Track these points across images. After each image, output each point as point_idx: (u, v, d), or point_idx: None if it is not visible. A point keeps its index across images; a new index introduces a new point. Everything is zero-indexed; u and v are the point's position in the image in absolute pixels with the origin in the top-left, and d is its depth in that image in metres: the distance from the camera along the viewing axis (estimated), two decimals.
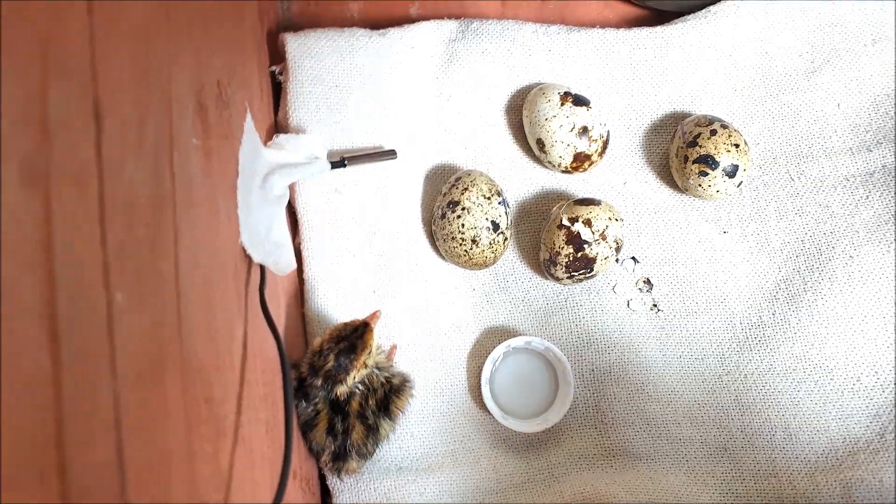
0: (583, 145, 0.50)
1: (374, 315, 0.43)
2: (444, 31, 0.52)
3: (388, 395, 0.43)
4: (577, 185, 0.52)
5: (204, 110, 0.31)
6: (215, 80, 0.34)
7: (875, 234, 0.50)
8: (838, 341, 0.49)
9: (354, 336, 0.41)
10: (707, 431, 0.49)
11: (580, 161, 0.50)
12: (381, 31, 0.51)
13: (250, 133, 0.38)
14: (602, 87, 0.53)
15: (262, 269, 0.36)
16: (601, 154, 0.51)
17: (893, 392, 0.48)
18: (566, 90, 0.50)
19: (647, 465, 0.48)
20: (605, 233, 0.48)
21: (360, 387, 0.43)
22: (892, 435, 0.47)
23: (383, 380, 0.43)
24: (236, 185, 0.35)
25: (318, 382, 0.41)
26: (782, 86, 0.53)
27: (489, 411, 0.48)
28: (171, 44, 0.28)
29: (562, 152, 0.50)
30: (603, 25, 0.55)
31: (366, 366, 0.42)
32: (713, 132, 0.49)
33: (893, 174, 0.51)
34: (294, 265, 0.43)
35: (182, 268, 0.27)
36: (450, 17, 0.53)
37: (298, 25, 0.54)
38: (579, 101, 0.50)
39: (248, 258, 0.36)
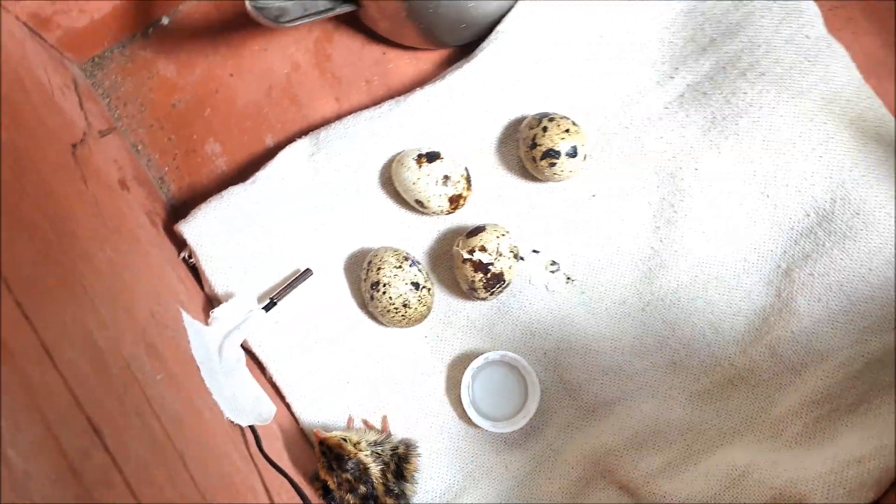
0: (451, 190, 0.58)
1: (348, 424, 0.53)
2: (300, 151, 0.60)
3: (399, 464, 0.51)
4: (463, 217, 0.61)
5: (153, 347, 0.39)
6: (150, 313, 0.41)
7: (705, 141, 0.59)
8: (716, 237, 0.58)
9: (330, 454, 0.48)
10: (653, 357, 0.58)
11: (456, 201, 0.59)
12: (251, 179, 0.59)
13: (191, 328, 0.46)
14: (446, 132, 0.61)
15: (253, 428, 0.44)
16: (469, 188, 0.59)
17: (772, 256, 0.57)
18: (418, 152, 0.59)
19: (621, 406, 0.57)
20: (499, 249, 0.56)
21: (374, 468, 0.50)
22: (786, 291, 0.56)
23: (389, 452, 0.51)
24: (202, 379, 0.43)
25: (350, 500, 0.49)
26: (582, 64, 0.62)
27: (482, 428, 0.57)
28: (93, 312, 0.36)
29: (438, 202, 0.58)
30: (423, 80, 0.64)
31: (360, 448, 0.49)
32: (545, 129, 0.58)
33: (700, 88, 0.60)
34: (274, 409, 0.50)
35: (195, 471, 0.35)
36: (301, 136, 0.61)
37: (183, 202, 0.62)
38: (432, 157, 0.58)
39: (238, 426, 0.44)
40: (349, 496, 0.48)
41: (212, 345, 0.48)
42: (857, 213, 0.55)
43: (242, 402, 0.46)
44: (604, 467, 0.56)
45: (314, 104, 0.64)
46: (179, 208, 0.62)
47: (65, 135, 0.49)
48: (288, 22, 0.56)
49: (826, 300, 0.55)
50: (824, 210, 0.56)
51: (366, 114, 0.60)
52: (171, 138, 0.64)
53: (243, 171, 0.63)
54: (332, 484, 0.47)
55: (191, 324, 0.47)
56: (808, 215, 0.57)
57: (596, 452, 0.56)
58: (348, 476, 0.47)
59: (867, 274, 0.54)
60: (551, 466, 0.57)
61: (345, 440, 0.48)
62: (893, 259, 0.54)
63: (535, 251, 0.60)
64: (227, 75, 0.65)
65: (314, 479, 0.49)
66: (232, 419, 0.43)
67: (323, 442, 0.48)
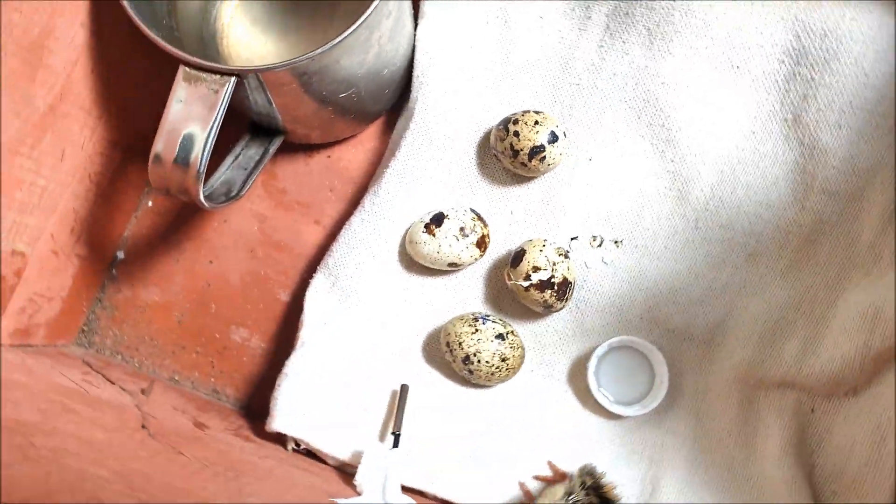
0: (472, 237, 0.58)
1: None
2: (320, 289, 0.59)
3: (599, 495, 0.50)
4: (494, 251, 0.60)
5: None
6: None
7: (652, 54, 0.59)
8: (716, 128, 0.58)
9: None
10: (729, 262, 0.58)
11: (482, 244, 0.58)
12: (297, 344, 0.57)
13: None
14: (431, 189, 0.60)
15: None
16: (485, 224, 0.59)
17: (773, 115, 0.58)
18: (422, 224, 0.58)
19: (731, 320, 0.57)
20: (549, 259, 0.56)
21: None
22: (806, 137, 0.57)
23: (583, 493, 0.50)
24: None
25: None
26: (506, 56, 0.61)
27: (632, 416, 0.57)
28: None
29: (469, 254, 0.58)
30: (377, 157, 0.63)
31: None
32: (516, 133, 0.57)
33: (618, 12, 0.60)
34: None
35: None
36: (310, 275, 0.60)
37: (251, 399, 0.61)
38: (438, 219, 0.58)
39: None
40: None
41: None
42: (825, 35, 0.56)
43: None
44: (754, 380, 0.56)
45: (300, 239, 0.63)
46: (253, 408, 0.61)
47: (132, 420, 0.47)
48: (238, 193, 0.55)
49: (846, 123, 0.56)
50: (794, 49, 0.57)
51: (355, 221, 0.59)
52: (198, 350, 0.62)
53: (280, 338, 0.62)
54: None
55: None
56: (783, 62, 0.57)
57: (738, 373, 0.57)
58: None
59: (866, 80, 0.55)
60: (708, 410, 0.57)
61: None
62: (883, 52, 0.55)
63: (573, 239, 0.60)
64: (207, 263, 0.63)
65: None
66: None
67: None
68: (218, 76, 0.45)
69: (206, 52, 0.59)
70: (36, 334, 0.57)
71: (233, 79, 0.45)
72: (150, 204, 0.64)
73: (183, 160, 0.45)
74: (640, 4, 0.59)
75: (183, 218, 0.63)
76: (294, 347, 0.57)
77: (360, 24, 0.46)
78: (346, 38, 0.46)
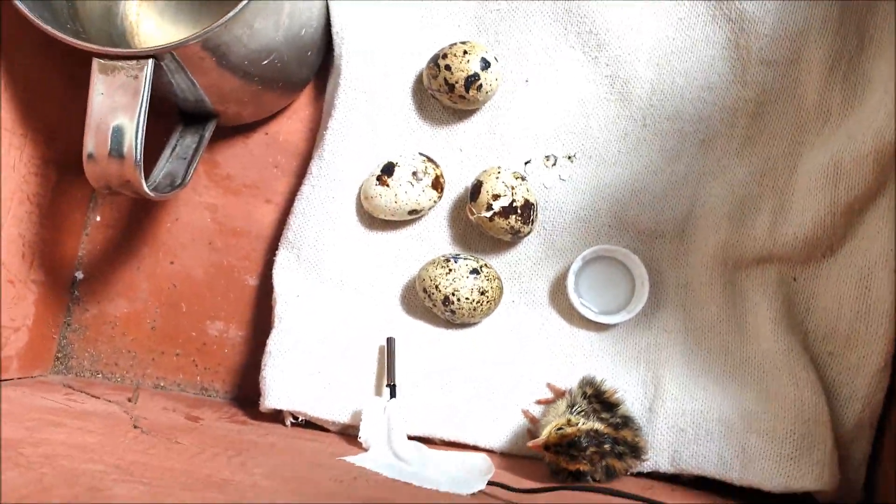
0: (427, 179, 0.57)
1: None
2: (286, 264, 0.58)
3: (602, 402, 0.51)
4: (452, 194, 0.60)
5: None
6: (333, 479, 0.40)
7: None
8: (640, 16, 0.58)
9: (562, 448, 0.47)
10: (685, 152, 0.58)
11: (437, 184, 0.58)
12: (275, 321, 0.56)
13: (367, 462, 0.45)
14: (373, 140, 0.60)
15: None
16: (436, 165, 0.58)
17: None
18: (374, 177, 0.57)
19: (698, 208, 0.57)
20: (507, 184, 0.56)
21: (598, 424, 0.49)
22: (732, 10, 0.57)
23: (585, 403, 0.50)
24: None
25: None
26: None
27: (622, 323, 0.57)
28: None
29: (427, 196, 0.57)
30: (315, 124, 0.62)
31: (572, 423, 0.48)
32: (447, 66, 0.57)
33: None
34: (485, 457, 0.50)
35: None
36: (272, 254, 0.59)
37: (241, 388, 0.60)
38: (388, 170, 0.57)
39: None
40: (605, 460, 0.48)
41: (389, 460, 0.47)
42: None
43: (459, 474, 0.46)
44: (732, 262, 0.57)
45: (255, 221, 0.62)
46: (244, 396, 0.60)
47: (122, 423, 0.46)
48: (182, 182, 0.54)
49: None
50: None
51: (305, 190, 0.58)
52: (178, 353, 0.61)
53: (257, 322, 0.61)
54: (585, 466, 0.47)
55: (364, 460, 0.46)
56: None
57: (715, 258, 0.57)
58: (593, 449, 0.47)
59: None
60: (693, 301, 0.57)
61: (559, 429, 0.47)
62: None
63: (527, 163, 0.60)
64: (169, 265, 0.62)
65: (561, 475, 0.49)
66: (464, 492, 0.42)
67: (549, 446, 0.47)
68: (134, 61, 0.44)
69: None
70: (9, 368, 0.55)
71: (150, 61, 0.44)
72: (98, 219, 0.62)
73: (117, 152, 0.44)
74: None
75: (134, 225, 0.62)
76: (272, 326, 0.57)
77: None
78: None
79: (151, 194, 0.47)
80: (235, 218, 0.62)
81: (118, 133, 0.44)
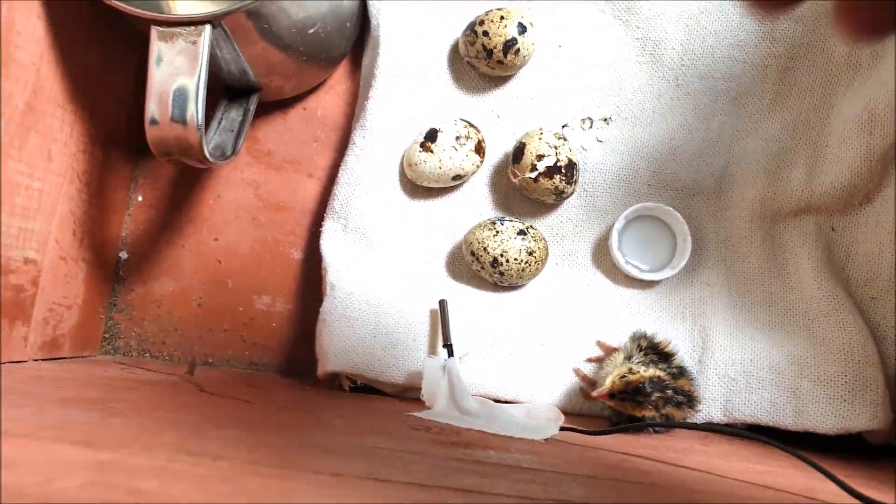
0: (470, 143, 0.58)
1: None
2: (333, 235, 0.58)
3: (658, 353, 0.52)
4: (490, 160, 0.61)
5: None
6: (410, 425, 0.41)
7: None
8: None
9: (627, 395, 0.48)
10: (719, 110, 0.59)
11: (480, 149, 0.59)
12: (327, 290, 0.57)
13: (440, 417, 0.46)
14: (415, 110, 0.60)
15: None
16: (477, 130, 0.59)
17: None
18: (417, 144, 0.58)
19: (734, 165, 0.59)
20: (550, 144, 0.57)
21: (659, 371, 0.50)
22: None
23: (642, 354, 0.52)
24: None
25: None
26: None
27: (668, 278, 0.58)
28: None
29: (471, 161, 0.58)
30: (353, 97, 0.63)
31: (634, 371, 0.49)
32: (485, 32, 0.58)
33: None
34: (552, 402, 0.51)
35: None
36: (318, 227, 0.60)
37: (289, 361, 0.61)
38: (431, 135, 0.58)
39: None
40: (666, 407, 0.49)
41: (456, 414, 0.48)
42: None
43: (529, 422, 0.47)
44: (771, 214, 0.58)
45: (298, 196, 0.62)
46: (294, 368, 0.60)
47: (188, 389, 0.47)
48: (233, 152, 0.54)
49: None
50: None
51: (350, 160, 0.59)
52: (226, 328, 0.61)
53: (303, 295, 0.61)
54: (650, 412, 0.48)
55: (433, 414, 0.46)
56: None
57: (753, 212, 0.58)
58: (658, 394, 0.48)
59: None
60: (735, 255, 0.59)
61: (622, 377, 0.48)
62: None
63: (564, 126, 0.61)
64: (213, 242, 0.62)
65: (630, 422, 0.49)
66: (538, 437, 0.43)
67: (613, 394, 0.48)
68: (193, 27, 0.45)
69: None
70: (62, 346, 0.56)
71: (207, 26, 0.45)
72: (140, 199, 0.63)
73: (179, 117, 0.44)
74: None
75: (177, 204, 0.62)
76: (324, 293, 0.57)
77: None
78: None
79: (211, 160, 0.47)
80: (278, 193, 0.62)
81: (180, 98, 0.44)
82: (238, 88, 0.57)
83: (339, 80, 0.64)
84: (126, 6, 0.45)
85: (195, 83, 0.45)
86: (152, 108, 0.45)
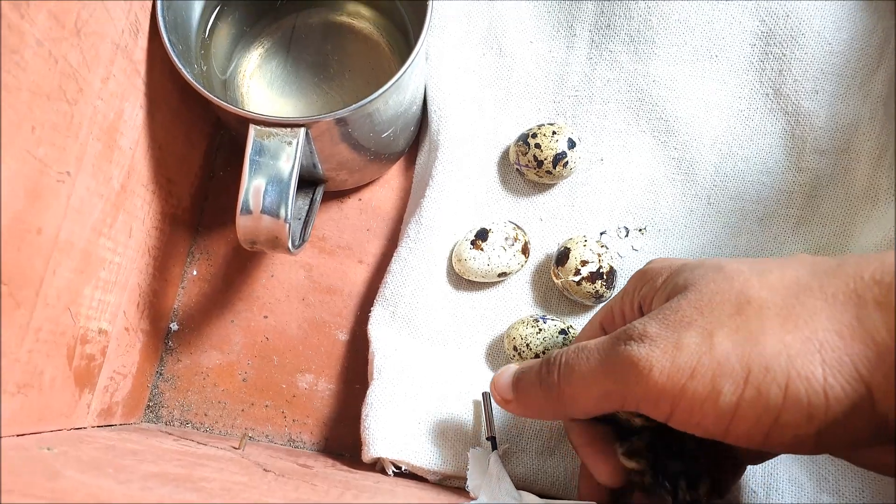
0: (517, 245, 0.62)
1: None
2: (381, 321, 0.61)
3: None
4: (533, 259, 0.65)
5: None
6: None
7: (638, 56, 0.66)
8: (707, 112, 0.65)
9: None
10: (752, 214, 0.64)
11: (525, 250, 0.63)
12: (374, 374, 0.60)
13: None
14: (465, 212, 0.65)
15: None
16: (523, 231, 0.63)
17: (754, 93, 0.65)
18: (468, 241, 0.62)
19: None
20: (593, 251, 0.61)
21: None
22: (790, 106, 0.64)
23: None
24: None
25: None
26: (505, 80, 0.67)
27: None
28: None
29: (517, 261, 0.62)
30: (405, 192, 0.67)
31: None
32: (537, 145, 0.62)
33: (600, 26, 0.67)
34: None
35: None
36: (366, 311, 0.63)
37: (328, 441, 0.63)
38: (483, 234, 0.62)
39: None
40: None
41: None
42: (787, 16, 0.63)
43: None
44: None
45: (348, 280, 0.66)
46: (334, 447, 0.62)
47: (252, 466, 0.49)
48: (303, 240, 0.58)
49: (821, 88, 0.63)
50: (762, 32, 0.64)
51: (403, 251, 0.63)
52: (268, 404, 0.64)
53: (346, 376, 0.64)
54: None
55: None
56: (754, 45, 0.65)
57: None
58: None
59: (830, 48, 0.63)
60: None
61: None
62: (840, 21, 0.63)
63: (602, 233, 0.65)
64: (263, 319, 0.65)
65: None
66: None
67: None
68: (289, 129, 0.49)
69: None
70: (115, 413, 0.57)
71: (303, 129, 0.49)
72: (195, 273, 0.65)
73: (271, 210, 0.48)
74: (619, 16, 0.66)
75: (230, 281, 0.65)
76: (371, 378, 0.60)
77: (413, 60, 0.51)
78: (402, 75, 0.50)
79: (293, 251, 0.50)
80: (329, 276, 0.66)
81: (273, 192, 0.48)
82: (306, 180, 0.61)
83: (394, 176, 0.68)
84: (230, 107, 0.49)
85: (288, 179, 0.48)
86: (246, 200, 0.48)
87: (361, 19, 0.67)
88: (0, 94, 0.35)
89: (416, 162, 0.68)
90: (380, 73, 0.66)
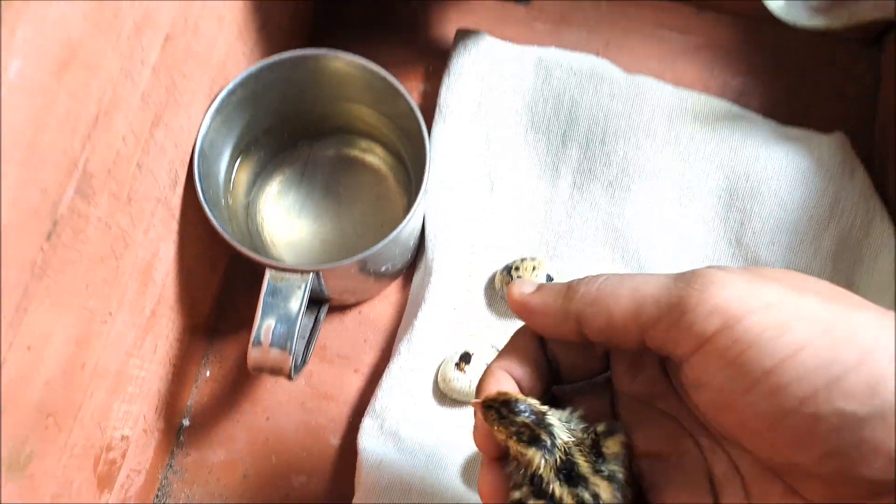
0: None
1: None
2: (371, 432, 0.68)
3: (595, 441, 0.38)
4: None
5: None
6: None
7: (616, 200, 0.74)
8: (670, 253, 0.73)
9: (495, 403, 0.37)
10: None
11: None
12: (360, 488, 0.66)
13: None
14: (456, 331, 0.72)
15: None
16: None
17: (718, 238, 0.73)
18: (453, 361, 0.69)
19: None
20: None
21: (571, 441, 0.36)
22: (750, 252, 0.71)
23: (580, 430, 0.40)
24: None
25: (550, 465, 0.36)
26: (490, 216, 0.75)
27: None
28: None
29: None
30: (401, 306, 0.74)
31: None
32: (518, 278, 0.70)
33: (582, 169, 0.75)
34: None
35: None
36: (357, 419, 0.69)
37: None
38: (466, 357, 0.69)
39: None
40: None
41: None
42: (748, 176, 0.72)
43: None
44: None
45: (344, 388, 0.73)
46: None
47: None
48: (304, 360, 0.65)
49: (777, 240, 0.71)
50: (726, 188, 0.72)
51: (394, 369, 0.70)
52: (264, 501, 0.70)
53: (335, 477, 0.70)
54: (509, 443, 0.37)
55: None
56: (720, 197, 0.73)
57: None
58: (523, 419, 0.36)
59: (784, 206, 0.71)
60: None
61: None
62: (793, 183, 0.71)
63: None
64: (265, 420, 0.72)
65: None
66: None
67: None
68: (300, 274, 0.56)
69: (253, 241, 0.70)
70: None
71: (311, 275, 0.57)
72: (207, 374, 0.73)
73: (278, 344, 0.55)
74: (599, 162, 0.74)
75: (238, 384, 0.72)
76: (356, 486, 0.66)
77: (414, 212, 0.58)
78: (404, 226, 0.58)
79: (294, 377, 0.58)
80: (327, 383, 0.73)
81: (281, 329, 0.55)
82: (312, 300, 0.68)
83: (392, 291, 0.75)
84: (252, 254, 0.57)
85: (295, 318, 0.56)
86: (258, 336, 0.55)
87: (371, 154, 0.75)
88: (56, 268, 0.43)
89: (413, 280, 0.75)
90: (386, 203, 0.74)
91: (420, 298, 0.72)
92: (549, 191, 0.76)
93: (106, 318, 0.50)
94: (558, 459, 0.35)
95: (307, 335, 0.67)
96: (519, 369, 0.40)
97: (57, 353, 0.45)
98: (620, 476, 0.36)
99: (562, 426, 0.36)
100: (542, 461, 0.35)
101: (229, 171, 0.67)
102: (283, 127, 0.70)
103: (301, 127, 0.72)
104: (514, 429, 0.36)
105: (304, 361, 0.64)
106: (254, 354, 0.56)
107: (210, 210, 0.58)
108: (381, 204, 0.74)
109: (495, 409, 0.37)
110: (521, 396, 0.37)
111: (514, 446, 0.36)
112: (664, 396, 0.38)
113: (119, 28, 0.43)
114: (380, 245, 0.58)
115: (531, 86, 0.77)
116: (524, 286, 0.42)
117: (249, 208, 0.71)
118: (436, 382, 0.71)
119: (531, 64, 0.77)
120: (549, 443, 0.35)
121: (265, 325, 0.55)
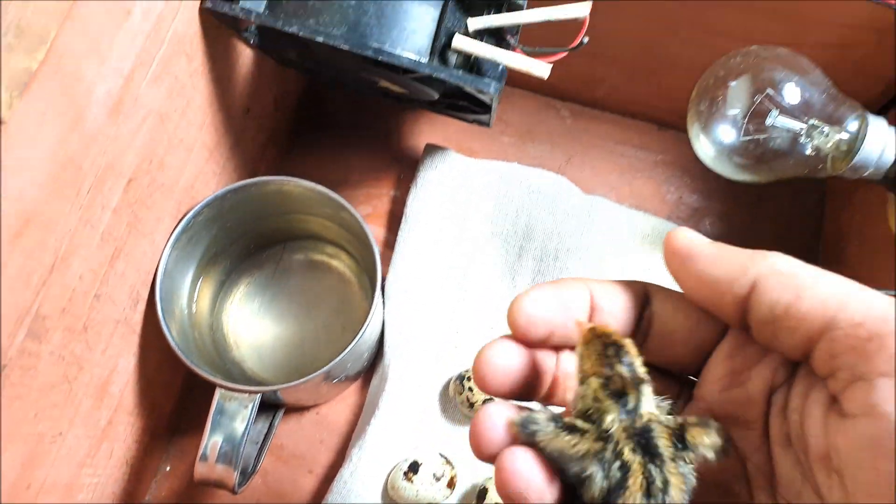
0: (443, 482, 0.72)
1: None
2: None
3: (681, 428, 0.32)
4: (460, 487, 0.74)
5: None
6: None
7: None
8: None
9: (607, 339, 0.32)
10: None
11: (451, 484, 0.72)
12: None
13: None
14: (417, 438, 0.74)
15: None
16: (453, 468, 0.73)
17: None
18: (401, 471, 0.71)
19: None
20: None
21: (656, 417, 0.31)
22: None
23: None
24: None
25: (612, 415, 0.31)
26: (454, 309, 0.78)
27: None
28: None
29: (443, 495, 0.71)
30: (357, 410, 0.77)
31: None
32: (469, 389, 0.73)
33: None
34: None
35: None
36: None
37: None
38: (414, 467, 0.71)
39: None
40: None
41: None
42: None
43: None
44: None
45: (297, 487, 0.75)
46: None
47: None
48: (254, 468, 0.68)
49: None
50: None
51: (345, 474, 0.72)
52: None
53: None
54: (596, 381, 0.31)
55: None
56: None
57: None
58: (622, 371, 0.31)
59: None
60: None
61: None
62: None
63: None
64: None
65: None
66: None
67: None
68: (247, 395, 0.59)
69: (216, 346, 0.73)
70: None
71: (258, 395, 0.60)
72: (167, 468, 0.75)
73: (224, 459, 0.58)
74: (552, 271, 0.78)
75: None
76: None
77: (365, 329, 0.62)
78: (356, 343, 0.61)
79: (237, 491, 0.60)
80: (282, 483, 0.75)
81: (227, 446, 0.58)
82: (266, 404, 0.71)
83: (350, 394, 0.78)
84: (203, 373, 0.60)
85: (241, 438, 0.59)
86: (205, 452, 0.58)
87: (337, 259, 0.79)
88: (5, 402, 0.46)
89: (371, 383, 0.78)
90: (349, 307, 0.77)
91: (374, 406, 0.75)
92: (510, 291, 0.79)
93: (55, 439, 0.53)
94: (635, 425, 0.31)
95: (260, 440, 0.69)
96: (619, 311, 0.35)
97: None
98: (693, 479, 0.31)
99: (652, 400, 0.32)
100: (617, 420, 0.31)
101: (195, 282, 0.70)
102: (250, 239, 0.74)
103: (267, 238, 0.76)
104: (608, 371, 0.31)
105: (254, 468, 0.67)
106: (200, 469, 0.59)
107: (167, 328, 0.61)
108: (345, 308, 0.77)
109: (602, 343, 0.32)
110: (633, 350, 0.32)
111: (595, 386, 0.31)
112: (746, 425, 0.32)
113: (79, 185, 0.47)
114: (328, 367, 0.61)
115: (493, 200, 0.81)
116: (691, 232, 0.33)
117: (214, 313, 0.75)
118: (385, 489, 0.73)
119: (493, 180, 0.81)
120: (632, 405, 0.31)
121: (212, 442, 0.58)
